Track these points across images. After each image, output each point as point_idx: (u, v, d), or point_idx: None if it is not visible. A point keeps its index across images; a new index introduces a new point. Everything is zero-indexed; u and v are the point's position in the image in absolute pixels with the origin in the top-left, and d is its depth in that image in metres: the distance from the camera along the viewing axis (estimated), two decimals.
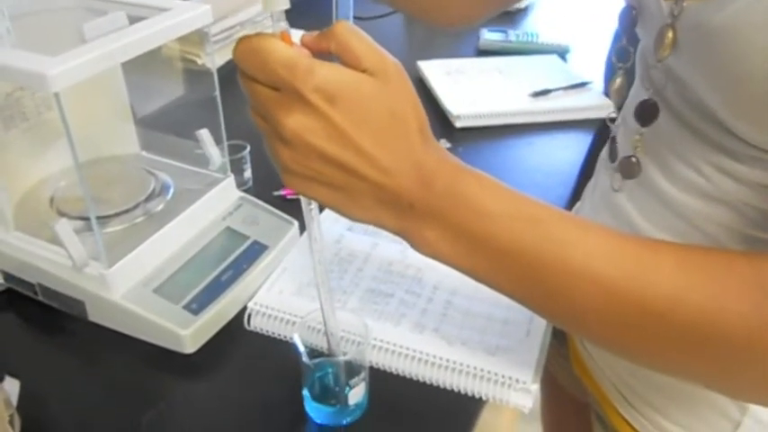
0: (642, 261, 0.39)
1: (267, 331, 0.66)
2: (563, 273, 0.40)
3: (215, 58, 1.19)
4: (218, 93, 0.75)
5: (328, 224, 0.77)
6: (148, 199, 0.72)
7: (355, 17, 1.39)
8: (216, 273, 0.68)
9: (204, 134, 0.76)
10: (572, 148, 1.02)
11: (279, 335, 0.66)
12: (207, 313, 0.64)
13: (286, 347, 0.63)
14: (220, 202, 0.75)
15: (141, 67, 0.95)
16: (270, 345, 0.65)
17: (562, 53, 1.33)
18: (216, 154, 0.76)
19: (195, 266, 0.68)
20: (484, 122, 1.05)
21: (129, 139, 0.83)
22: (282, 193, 0.88)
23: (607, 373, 0.64)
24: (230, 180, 0.77)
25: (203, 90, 0.77)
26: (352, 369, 0.57)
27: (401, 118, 0.39)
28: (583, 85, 1.15)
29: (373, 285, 0.70)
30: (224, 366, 0.64)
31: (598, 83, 1.16)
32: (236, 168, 0.87)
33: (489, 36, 1.37)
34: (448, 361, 0.61)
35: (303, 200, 0.46)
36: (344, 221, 0.80)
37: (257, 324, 0.67)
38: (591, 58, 1.28)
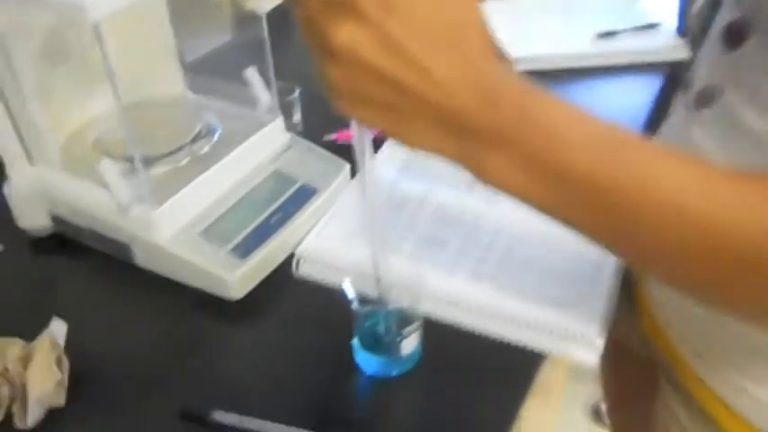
0: (740, 194, 0.34)
1: (316, 278, 0.64)
2: (649, 207, 0.35)
3: (264, 1, 1.15)
4: (266, 34, 0.71)
5: (380, 169, 0.74)
6: (194, 141, 0.69)
7: None
8: (263, 216, 0.65)
9: (252, 73, 0.72)
10: (640, 93, 0.95)
11: (328, 282, 0.63)
12: (254, 258, 0.61)
13: (335, 295, 0.60)
14: (269, 144, 0.72)
15: (188, 11, 0.93)
16: (318, 292, 0.63)
17: None
18: (264, 94, 0.73)
19: (242, 210, 0.65)
20: (543, 66, 0.99)
21: (175, 81, 0.81)
22: (334, 136, 0.84)
23: (683, 331, 0.59)
24: (279, 121, 0.74)
25: (252, 34, 0.73)
26: (404, 318, 0.54)
27: (463, 30, 0.35)
28: (653, 26, 1.07)
29: (428, 232, 0.67)
30: (271, 314, 0.62)
31: (669, 25, 1.07)
32: (286, 111, 0.83)
33: None
34: (507, 312, 0.57)
35: (354, 128, 0.43)
36: (397, 164, 0.76)
37: (306, 270, 0.64)
38: None
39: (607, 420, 1.53)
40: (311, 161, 0.72)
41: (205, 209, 0.64)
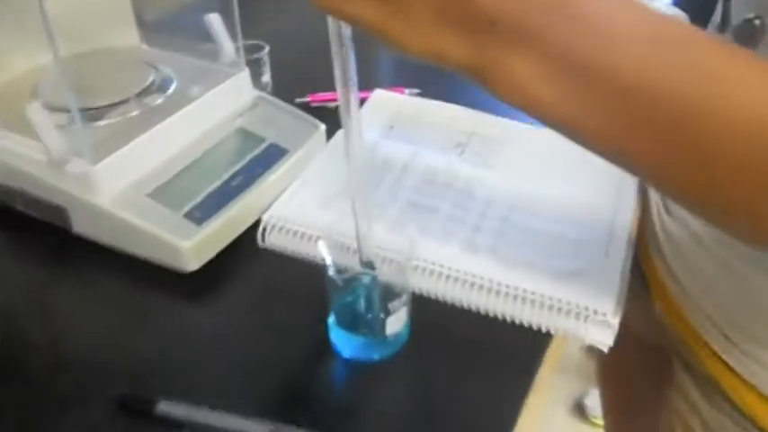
0: None
1: (285, 249, 0.55)
2: (720, 119, 0.27)
3: None
4: None
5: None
6: (146, 92, 0.60)
7: None
8: (224, 178, 0.56)
9: (214, 19, 0.63)
10: None
11: (299, 254, 0.55)
12: (212, 223, 0.52)
13: (307, 269, 0.52)
14: (232, 99, 0.63)
15: None
16: (288, 265, 0.54)
17: None
18: (227, 43, 0.64)
19: (200, 170, 0.56)
20: None
21: (129, 35, 0.71)
22: (308, 98, 0.75)
23: (705, 305, 0.51)
24: (244, 75, 0.65)
25: None
26: (389, 292, 0.45)
27: None
28: None
29: (414, 198, 0.58)
30: (232, 289, 0.53)
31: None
32: (254, 72, 0.74)
33: None
34: (508, 287, 0.49)
35: (333, 30, 0.34)
36: (378, 127, 0.67)
37: (273, 240, 0.55)
38: None
39: (594, 418, 1.47)
40: (281, 120, 0.63)
41: (156, 168, 0.55)
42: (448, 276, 0.50)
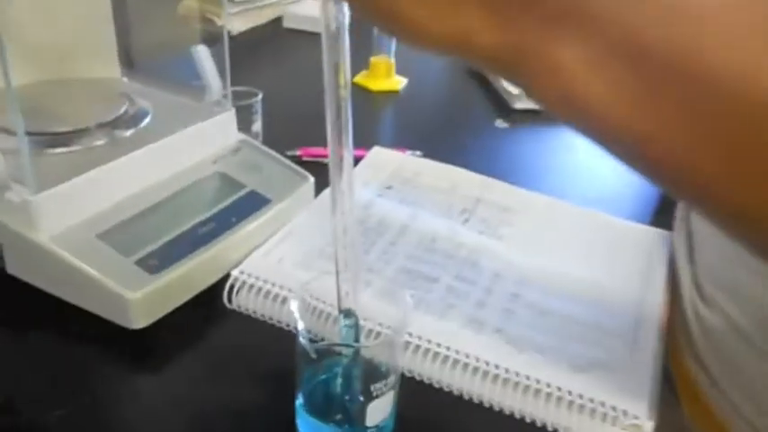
0: None
1: (255, 312, 0.46)
2: None
3: (237, 22, 1.03)
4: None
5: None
6: (115, 123, 0.53)
7: None
8: (192, 224, 0.48)
9: (202, 51, 0.57)
10: None
11: (271, 318, 0.46)
12: (169, 274, 0.44)
13: (278, 336, 0.44)
14: (213, 139, 0.56)
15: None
16: (256, 332, 0.46)
17: None
18: (214, 79, 0.57)
19: (165, 213, 0.49)
20: None
21: (111, 66, 0.65)
22: (299, 152, 0.69)
23: (734, 395, 0.43)
24: (230, 116, 0.58)
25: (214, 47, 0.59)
26: (375, 371, 0.37)
27: None
28: None
29: (410, 265, 0.50)
30: (185, 356, 0.44)
31: None
32: (244, 119, 0.68)
33: None
34: (516, 374, 0.41)
35: (324, 17, 0.28)
36: (375, 185, 0.60)
37: (242, 302, 0.47)
38: None
39: None
40: (267, 168, 0.56)
41: (113, 206, 0.47)
42: (445, 357, 0.42)
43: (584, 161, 0.75)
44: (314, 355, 0.36)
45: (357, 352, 0.37)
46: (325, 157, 0.65)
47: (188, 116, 0.55)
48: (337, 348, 0.37)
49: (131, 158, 0.49)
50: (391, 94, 0.89)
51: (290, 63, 1.01)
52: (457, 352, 0.42)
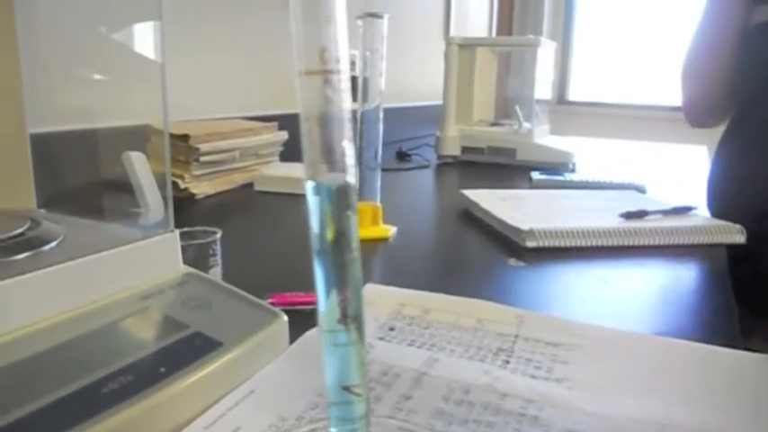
0: None
1: None
2: None
3: (205, 186, 0.93)
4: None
5: None
6: (8, 242, 0.37)
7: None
8: (94, 378, 0.31)
9: (137, 159, 0.43)
10: (682, 275, 0.68)
11: None
12: None
13: None
14: (144, 267, 0.40)
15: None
16: None
17: (639, 190, 1.06)
18: (151, 191, 0.43)
19: (58, 359, 0.31)
20: (564, 243, 0.73)
21: (25, 196, 0.51)
22: (270, 300, 0.52)
23: None
24: (171, 239, 0.43)
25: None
26: None
27: None
28: (687, 210, 0.85)
29: (441, 427, 0.32)
30: None
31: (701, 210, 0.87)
32: (202, 260, 0.54)
33: (542, 176, 1.13)
34: None
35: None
36: (374, 328, 0.44)
37: None
38: (673, 195, 1.00)
39: None
40: (218, 304, 0.40)
41: None
42: None
43: (621, 289, 0.60)
44: None
45: None
46: (304, 304, 0.48)
47: (109, 240, 0.40)
48: None
49: (16, 283, 0.32)
50: (380, 241, 0.76)
51: (259, 216, 0.88)
52: None
